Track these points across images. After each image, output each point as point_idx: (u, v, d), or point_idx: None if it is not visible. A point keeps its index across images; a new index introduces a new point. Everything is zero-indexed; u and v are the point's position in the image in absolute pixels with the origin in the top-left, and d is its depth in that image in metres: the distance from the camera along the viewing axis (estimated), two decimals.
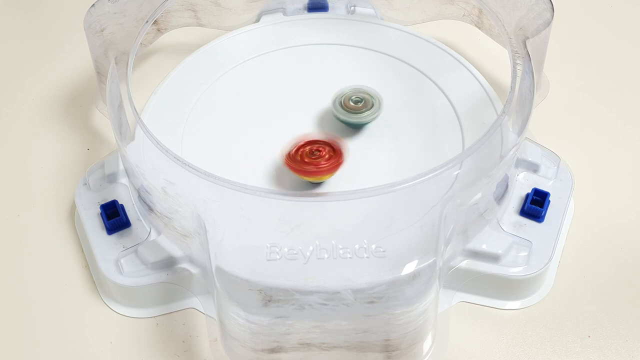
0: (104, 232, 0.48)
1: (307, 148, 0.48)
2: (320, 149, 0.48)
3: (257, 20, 0.59)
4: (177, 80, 0.54)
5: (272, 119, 0.52)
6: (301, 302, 0.40)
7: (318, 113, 0.52)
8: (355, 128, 0.51)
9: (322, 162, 0.47)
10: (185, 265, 0.46)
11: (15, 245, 0.51)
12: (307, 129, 0.51)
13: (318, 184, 0.48)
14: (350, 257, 0.41)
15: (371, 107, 0.51)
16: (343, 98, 0.51)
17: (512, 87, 0.46)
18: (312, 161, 0.47)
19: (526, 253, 0.46)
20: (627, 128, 0.56)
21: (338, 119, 0.51)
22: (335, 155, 0.48)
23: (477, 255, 0.46)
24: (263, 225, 0.43)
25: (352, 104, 0.51)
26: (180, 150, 0.50)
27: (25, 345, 0.46)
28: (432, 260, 0.41)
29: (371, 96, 0.51)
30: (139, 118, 0.46)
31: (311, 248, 0.42)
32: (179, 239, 0.46)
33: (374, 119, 0.51)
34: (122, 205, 0.49)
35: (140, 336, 0.46)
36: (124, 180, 0.50)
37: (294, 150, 0.48)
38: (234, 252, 0.41)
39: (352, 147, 0.50)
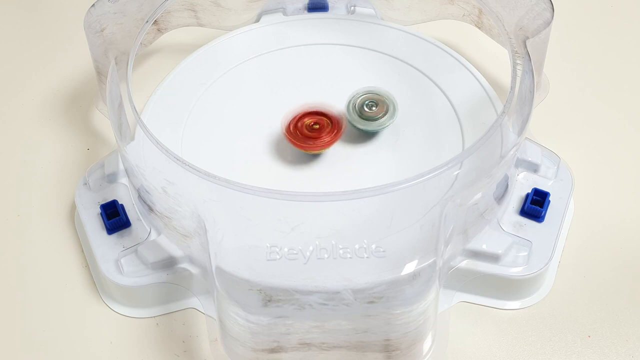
0: (104, 232, 0.48)
1: (306, 121, 0.49)
2: (319, 121, 0.49)
3: (257, 20, 0.59)
4: (177, 80, 0.54)
5: (272, 119, 0.52)
6: (301, 302, 0.40)
7: None
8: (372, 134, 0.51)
9: (324, 136, 0.49)
10: (185, 265, 0.46)
11: (15, 245, 0.51)
12: None
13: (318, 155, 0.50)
14: (350, 257, 0.41)
15: (387, 112, 0.50)
16: (357, 103, 0.50)
17: (512, 87, 0.46)
18: (313, 135, 0.49)
19: (526, 253, 0.46)
20: (627, 128, 0.56)
21: (355, 127, 0.50)
22: (334, 126, 0.49)
23: (477, 255, 0.46)
24: (263, 225, 0.43)
25: (366, 109, 0.50)
26: (180, 150, 0.50)
27: (25, 345, 0.46)
28: (432, 260, 0.41)
29: (385, 98, 0.51)
30: (139, 118, 0.46)
31: (311, 248, 0.42)
32: (179, 239, 0.46)
33: (391, 123, 0.50)
34: (122, 205, 0.49)
35: (140, 336, 0.46)
36: (124, 180, 0.50)
37: (292, 125, 0.49)
38: (234, 252, 0.41)
39: (352, 147, 0.50)
